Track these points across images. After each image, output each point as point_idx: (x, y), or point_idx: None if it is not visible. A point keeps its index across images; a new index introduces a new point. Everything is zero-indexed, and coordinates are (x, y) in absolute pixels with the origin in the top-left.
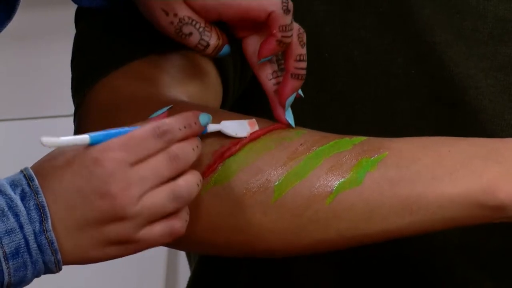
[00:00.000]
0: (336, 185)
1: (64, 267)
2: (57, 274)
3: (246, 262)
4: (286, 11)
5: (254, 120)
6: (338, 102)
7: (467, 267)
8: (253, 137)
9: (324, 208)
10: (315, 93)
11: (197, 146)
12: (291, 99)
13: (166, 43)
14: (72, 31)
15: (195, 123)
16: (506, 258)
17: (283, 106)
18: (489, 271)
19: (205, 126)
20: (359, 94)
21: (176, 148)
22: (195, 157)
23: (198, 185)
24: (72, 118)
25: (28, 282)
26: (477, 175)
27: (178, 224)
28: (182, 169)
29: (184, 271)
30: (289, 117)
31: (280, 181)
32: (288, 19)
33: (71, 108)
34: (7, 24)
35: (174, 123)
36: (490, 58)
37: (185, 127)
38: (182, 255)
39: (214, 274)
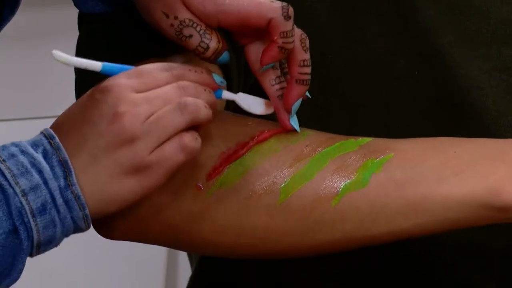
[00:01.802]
0: (342, 187)
1: (64, 267)
2: (57, 273)
3: (247, 262)
4: (287, 17)
5: (271, 102)
6: (341, 103)
7: (469, 266)
8: (259, 140)
9: (330, 210)
10: (318, 94)
11: (209, 91)
12: (297, 104)
13: (168, 47)
14: (72, 31)
15: (207, 73)
16: (509, 257)
17: (289, 112)
18: (492, 271)
19: (219, 84)
20: (362, 95)
21: (186, 82)
22: (207, 98)
23: (206, 107)
24: None
25: (58, 242)
26: (483, 176)
27: (188, 137)
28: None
29: (184, 271)
30: (294, 122)
31: (286, 183)
32: (289, 25)
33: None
34: (10, 19)
35: (183, 64)
36: (493, 59)
37: (196, 71)
38: (182, 255)
39: (215, 274)
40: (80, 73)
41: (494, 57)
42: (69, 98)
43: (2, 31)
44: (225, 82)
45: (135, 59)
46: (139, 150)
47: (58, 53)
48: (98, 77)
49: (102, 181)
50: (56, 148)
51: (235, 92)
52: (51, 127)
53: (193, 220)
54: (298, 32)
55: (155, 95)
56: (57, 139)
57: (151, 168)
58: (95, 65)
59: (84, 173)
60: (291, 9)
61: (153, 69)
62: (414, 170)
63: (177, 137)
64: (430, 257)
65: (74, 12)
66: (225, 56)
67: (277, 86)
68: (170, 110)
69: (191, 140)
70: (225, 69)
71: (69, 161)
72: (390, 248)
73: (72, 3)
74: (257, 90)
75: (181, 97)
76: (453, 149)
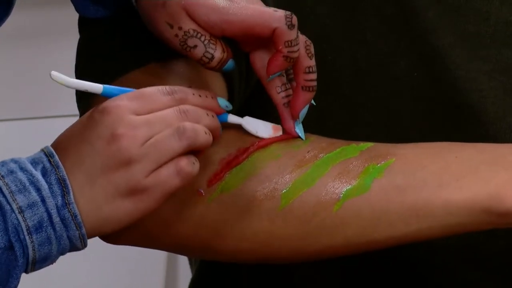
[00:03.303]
0: (343, 192)
1: (64, 265)
2: (57, 273)
3: (247, 266)
4: (291, 26)
5: (280, 126)
6: (342, 104)
7: (468, 268)
8: (260, 146)
9: (331, 215)
10: (318, 95)
11: (212, 115)
12: (304, 111)
13: (169, 52)
14: (72, 31)
15: (212, 97)
16: (507, 259)
17: (296, 119)
18: (490, 272)
19: (224, 109)
20: (362, 96)
21: (188, 106)
22: (209, 123)
23: (206, 133)
24: (71, 118)
25: (53, 259)
26: (484, 181)
27: (184, 161)
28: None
29: (184, 272)
30: (300, 130)
31: (288, 189)
32: (293, 34)
33: (71, 108)
34: (4, 21)
35: (186, 88)
36: (493, 61)
37: (200, 95)
38: (182, 258)
39: (216, 278)
40: (82, 74)
41: (494, 58)
42: (69, 98)
43: (2, 31)
44: (230, 106)
45: (137, 64)
46: (135, 173)
47: (57, 75)
48: (102, 78)
49: (98, 201)
50: (55, 166)
51: (236, 97)
52: (52, 144)
53: (195, 226)
54: (302, 38)
55: (154, 119)
56: (56, 157)
57: (147, 191)
58: (96, 87)
59: (80, 193)
60: (294, 18)
61: (155, 92)
62: (415, 175)
63: (174, 161)
64: (429, 260)
65: (74, 12)
66: (230, 64)
67: (283, 94)
68: (168, 135)
69: (187, 164)
70: (225, 74)
71: (67, 180)
72: (389, 251)
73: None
74: (257, 92)
75: (181, 121)
76: (454, 154)
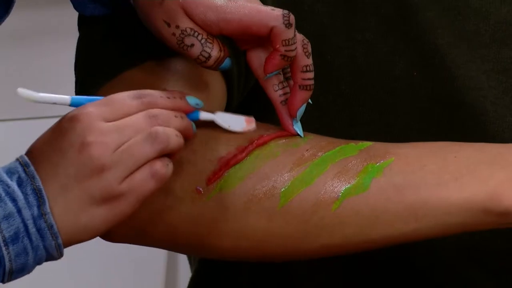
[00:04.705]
0: (342, 191)
1: (64, 265)
2: (57, 273)
3: (247, 264)
4: (288, 25)
5: (252, 118)
6: (341, 103)
7: (468, 266)
8: (259, 144)
9: (330, 214)
10: (317, 94)
11: (181, 117)
12: (301, 109)
13: (167, 49)
14: (72, 31)
15: (180, 98)
16: (507, 257)
17: (294, 117)
18: (489, 272)
19: (194, 107)
20: (362, 96)
21: (156, 110)
22: (178, 125)
23: (177, 136)
24: None
25: (30, 269)
26: (483, 181)
27: (158, 164)
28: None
29: (184, 272)
30: (298, 127)
31: (286, 187)
32: (290, 33)
33: (71, 108)
34: (4, 19)
35: (154, 91)
36: (492, 60)
37: (168, 97)
38: (181, 257)
39: (216, 275)
40: (81, 73)
41: (493, 58)
42: None
43: (2, 31)
44: (201, 104)
45: (134, 62)
46: (109, 180)
47: (23, 91)
48: (98, 77)
49: (73, 210)
50: (31, 177)
51: (235, 93)
52: (26, 153)
53: (193, 223)
54: (300, 37)
55: (124, 125)
56: (32, 167)
57: (122, 196)
58: (63, 99)
59: (55, 202)
60: (292, 17)
61: (123, 98)
62: (414, 174)
63: (148, 165)
64: (430, 259)
65: (74, 11)
66: (227, 62)
67: (280, 92)
68: (140, 141)
69: (162, 167)
70: (225, 72)
71: (43, 190)
72: (389, 249)
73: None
74: (257, 92)
75: (151, 126)
76: (453, 154)
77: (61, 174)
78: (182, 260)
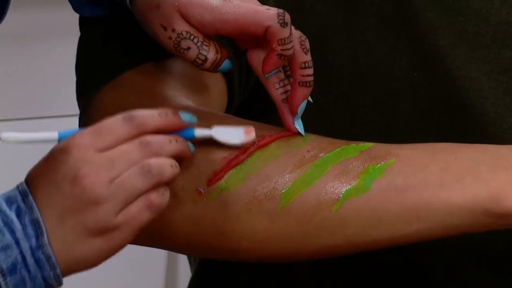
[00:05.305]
0: (343, 192)
1: None
2: None
3: (247, 264)
4: (283, 24)
5: (252, 127)
6: (341, 104)
7: (470, 268)
8: (260, 145)
9: (330, 215)
10: (318, 95)
11: (176, 140)
12: (302, 106)
13: (165, 51)
14: (72, 31)
15: (172, 114)
16: (508, 258)
17: (294, 115)
18: (490, 272)
19: (188, 123)
20: (362, 96)
21: (149, 137)
22: (173, 150)
23: (172, 166)
24: (71, 118)
25: None
26: (484, 182)
27: (154, 195)
28: (155, 156)
29: (184, 272)
30: (299, 125)
31: (287, 188)
32: (286, 31)
33: (71, 108)
34: (1, 20)
35: (144, 110)
36: (492, 61)
37: (159, 115)
38: (182, 257)
39: (216, 276)
40: (81, 74)
41: (494, 59)
42: (69, 98)
43: (1, 31)
44: (194, 119)
45: (132, 64)
46: (104, 213)
47: (8, 135)
48: (98, 78)
49: (70, 242)
50: (29, 207)
51: (236, 93)
52: (27, 176)
53: (194, 224)
54: (297, 34)
55: (117, 156)
56: (30, 197)
57: (118, 229)
58: (51, 136)
59: (52, 234)
60: (287, 16)
61: (113, 123)
62: (415, 176)
63: (143, 197)
64: (430, 259)
65: (74, 12)
66: (226, 64)
67: (281, 90)
68: (134, 175)
69: (157, 197)
70: (225, 73)
71: (41, 222)
72: (390, 250)
73: None
74: (258, 92)
75: (144, 155)
76: (454, 155)
77: (57, 205)
78: (182, 260)
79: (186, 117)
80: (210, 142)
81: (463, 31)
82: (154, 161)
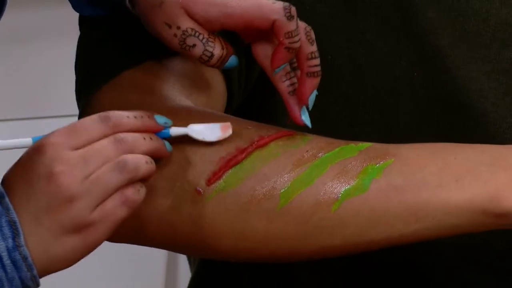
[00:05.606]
0: (342, 192)
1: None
2: (56, 273)
3: (247, 265)
4: (290, 17)
5: (229, 124)
6: (341, 103)
7: (469, 269)
8: (259, 145)
9: (329, 215)
10: (318, 95)
11: (150, 138)
12: (312, 97)
13: (167, 49)
14: (72, 31)
15: (148, 117)
16: (508, 258)
17: (305, 105)
18: (491, 272)
19: (163, 125)
20: (362, 96)
21: (123, 134)
22: (147, 147)
23: (147, 162)
24: (71, 118)
25: None
26: (483, 182)
27: (130, 190)
28: (129, 152)
29: (184, 272)
30: (306, 117)
31: (286, 188)
32: (292, 25)
33: (71, 108)
34: None
35: (120, 112)
36: (492, 61)
37: (135, 117)
38: (181, 257)
39: (215, 276)
40: (80, 73)
41: (494, 59)
42: (68, 98)
43: (1, 31)
44: (170, 122)
45: (133, 62)
46: (79, 210)
47: None
48: (98, 77)
49: (46, 241)
50: (6, 208)
51: (235, 92)
52: (1, 183)
53: (193, 224)
54: (302, 25)
55: (91, 152)
56: (7, 198)
57: (94, 225)
58: (25, 142)
59: (28, 234)
60: (293, 9)
61: (88, 122)
62: (414, 175)
63: (119, 192)
64: (430, 259)
65: (74, 11)
66: (232, 60)
67: (287, 83)
68: (109, 170)
69: (133, 193)
70: (225, 73)
71: (17, 222)
72: (390, 250)
73: None
74: (257, 93)
75: (118, 151)
76: (453, 155)
77: (33, 205)
78: (182, 260)
79: (161, 119)
80: (209, 143)
81: (463, 31)
82: (129, 156)
